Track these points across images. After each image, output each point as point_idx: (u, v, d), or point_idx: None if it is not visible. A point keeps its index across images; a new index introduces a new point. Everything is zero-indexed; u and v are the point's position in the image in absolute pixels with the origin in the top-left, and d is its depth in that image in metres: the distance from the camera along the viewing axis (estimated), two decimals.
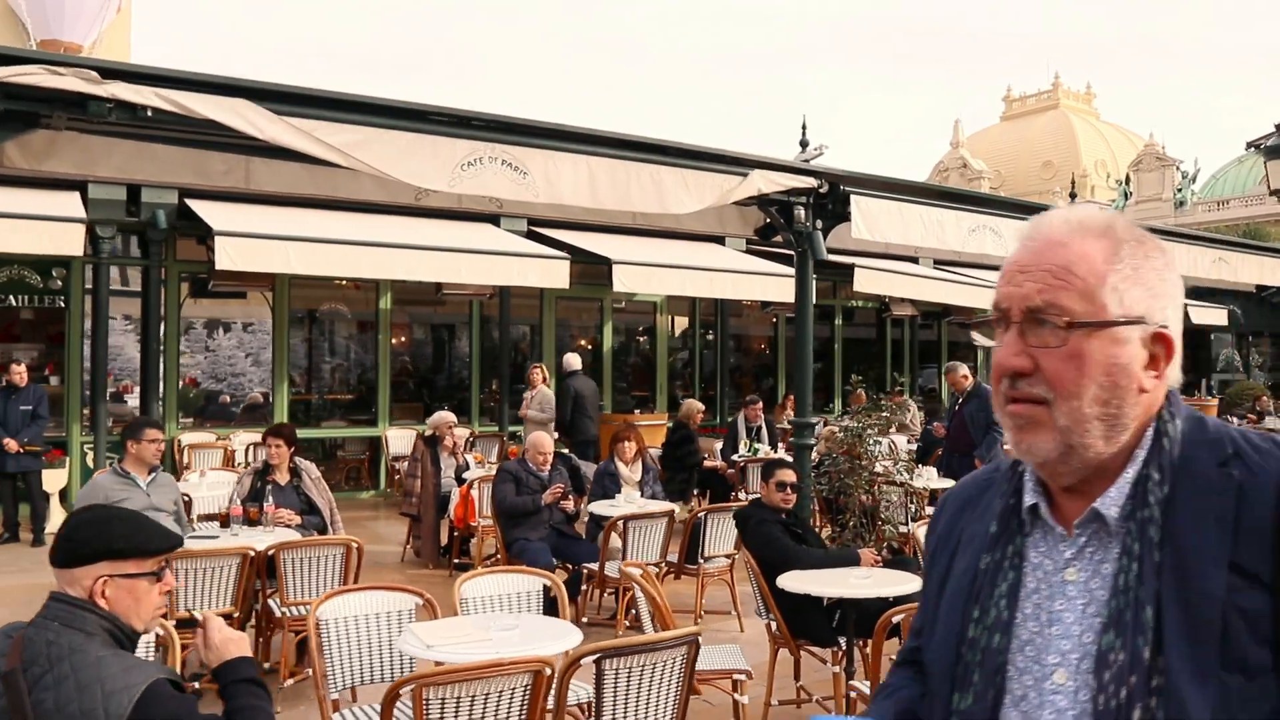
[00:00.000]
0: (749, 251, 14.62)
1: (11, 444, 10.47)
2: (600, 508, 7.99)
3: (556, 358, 15.27)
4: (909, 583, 5.43)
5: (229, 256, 10.06)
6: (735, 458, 11.25)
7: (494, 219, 13.29)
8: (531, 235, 13.24)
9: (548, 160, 6.97)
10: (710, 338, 16.47)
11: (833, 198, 8.30)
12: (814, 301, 13.50)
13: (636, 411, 14.81)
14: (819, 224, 8.46)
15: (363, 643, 4.82)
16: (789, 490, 6.21)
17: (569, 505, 7.99)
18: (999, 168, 41.25)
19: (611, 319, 15.42)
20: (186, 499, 8.46)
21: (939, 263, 16.67)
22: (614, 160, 7.20)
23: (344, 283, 13.71)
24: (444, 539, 9.79)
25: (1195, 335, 23.45)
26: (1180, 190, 37.56)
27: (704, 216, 9.12)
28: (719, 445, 12.22)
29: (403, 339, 14.60)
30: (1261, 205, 38.51)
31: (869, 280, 13.77)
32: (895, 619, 4.42)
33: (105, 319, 12.02)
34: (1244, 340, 23.37)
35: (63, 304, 12.47)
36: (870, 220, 8.39)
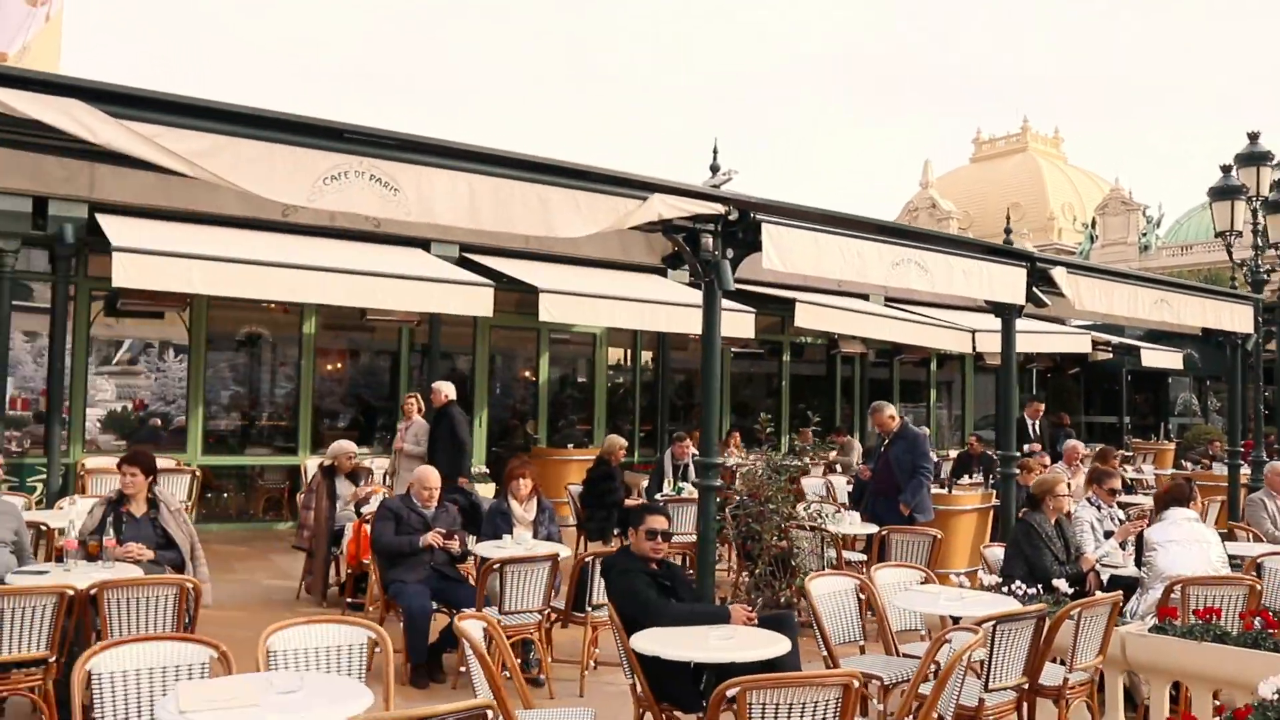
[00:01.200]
0: (694, 284, 14.17)
1: None
2: (485, 549, 7.40)
3: (490, 387, 14.74)
4: (773, 645, 4.87)
5: (126, 272, 9.49)
6: (659, 496, 10.67)
7: (425, 244, 12.75)
8: (463, 262, 12.70)
9: (420, 176, 6.40)
10: (651, 371, 15.93)
11: (743, 225, 7.75)
12: (752, 335, 13.18)
13: (570, 446, 14.24)
14: (730, 253, 7.92)
15: (131, 705, 4.22)
16: (659, 539, 5.65)
17: (453, 545, 7.40)
18: (968, 209, 41.12)
19: (549, 350, 14.88)
20: (44, 528, 7.85)
21: (893, 300, 16.23)
22: (496, 179, 6.65)
23: (271, 305, 13.15)
24: (340, 576, 9.18)
25: (1153, 379, 23.08)
26: (1145, 235, 37.44)
27: (634, 245, 8.62)
28: (645, 483, 11.66)
29: (328, 366, 14.00)
30: (1223, 251, 38.23)
31: (810, 316, 13.32)
32: (730, 692, 3.86)
33: (5, 338, 11.41)
34: (1202, 384, 23.00)
35: None
36: (783, 250, 7.85)
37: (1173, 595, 6.22)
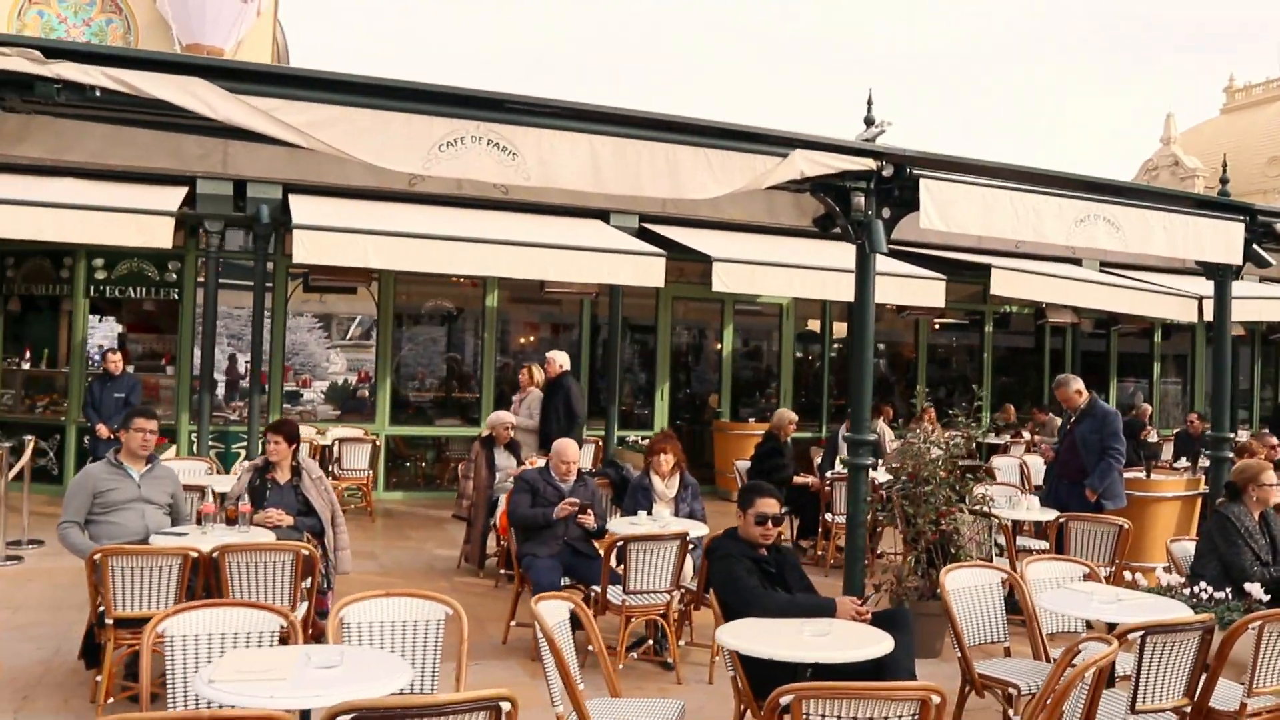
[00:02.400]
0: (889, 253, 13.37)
1: (103, 430, 10.55)
2: (619, 525, 7.08)
3: (672, 361, 14.42)
4: (873, 644, 4.31)
5: (306, 249, 9.72)
6: (830, 474, 10.07)
7: (605, 215, 12.54)
8: (642, 233, 12.42)
9: (541, 139, 6.10)
10: (841, 343, 15.18)
11: (899, 182, 7.07)
12: (942, 304, 12.25)
13: (751, 420, 13.74)
14: (886, 212, 7.25)
15: (192, 669, 4.14)
16: (769, 524, 5.15)
17: (588, 520, 7.13)
18: (1216, 165, 37.11)
19: (733, 321, 14.41)
20: (209, 492, 8.08)
21: (1110, 265, 14.85)
22: (621, 139, 6.27)
23: (457, 279, 13.28)
24: (492, 546, 9.11)
25: None
26: None
27: (781, 206, 8.05)
28: (819, 460, 11.07)
29: (511, 339, 14.03)
30: None
31: (1009, 283, 12.29)
32: (784, 699, 3.36)
33: (213, 312, 11.99)
34: None
35: (176, 297, 12.54)
36: (944, 208, 7.10)
37: None
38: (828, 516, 9.79)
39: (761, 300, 14.20)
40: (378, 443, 12.01)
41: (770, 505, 5.15)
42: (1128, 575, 6.26)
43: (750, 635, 4.34)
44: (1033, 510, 8.24)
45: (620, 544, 6.36)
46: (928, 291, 12.04)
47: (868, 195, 7.12)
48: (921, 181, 7.03)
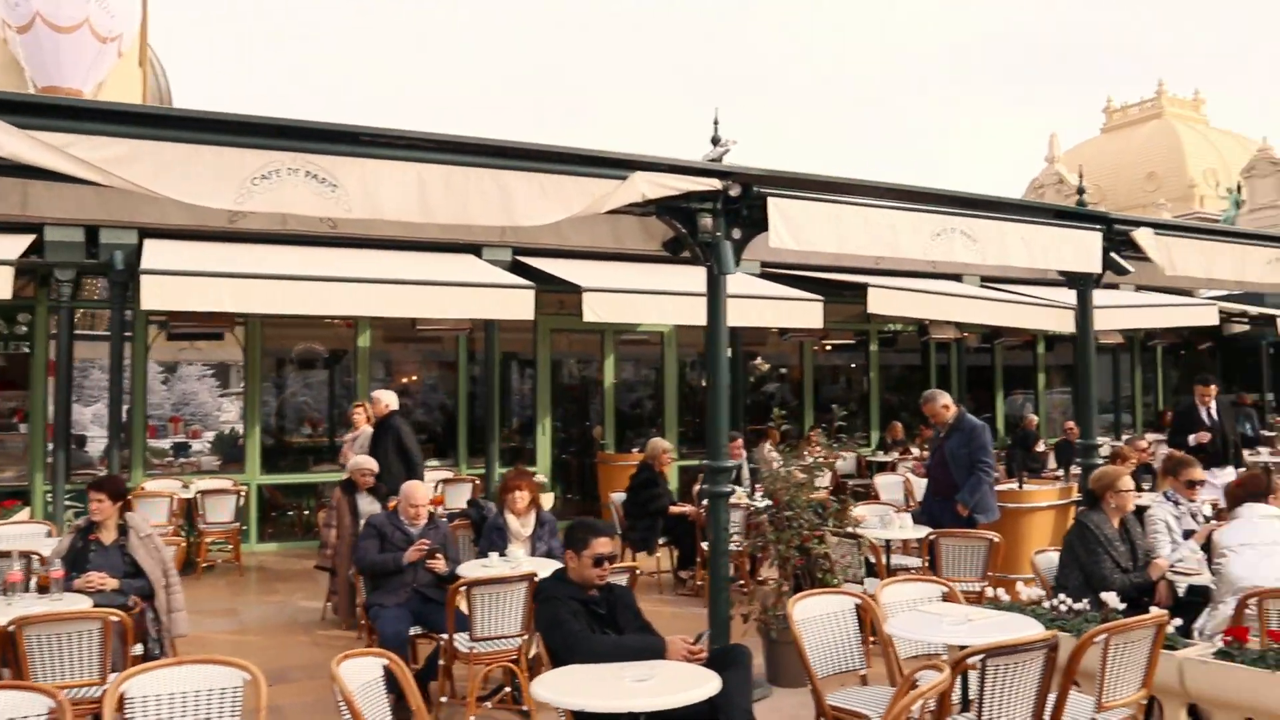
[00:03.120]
0: (765, 275, 13.26)
1: None
2: (471, 568, 6.72)
3: (554, 393, 14.11)
4: (697, 686, 4.03)
5: (154, 295, 9.20)
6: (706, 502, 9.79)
7: (477, 250, 12.21)
8: (516, 265, 12.13)
9: (364, 170, 5.76)
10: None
11: (747, 201, 6.89)
12: (820, 325, 12.15)
13: (635, 450, 13.46)
14: (736, 233, 7.05)
15: None
16: (606, 564, 4.85)
17: (438, 565, 6.75)
18: (1099, 182, 38.33)
19: (615, 351, 14.14)
20: (35, 558, 7.52)
21: (991, 280, 14.94)
22: (450, 167, 5.97)
23: (329, 320, 12.81)
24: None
25: None
26: None
27: (627, 231, 7.80)
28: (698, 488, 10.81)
29: (385, 379, 13.57)
30: None
31: (884, 301, 12.24)
32: None
33: (67, 365, 11.38)
34: None
35: (28, 350, 11.88)
36: (795, 227, 6.93)
37: (1247, 611, 5.10)
38: (704, 545, 9.50)
39: (642, 329, 13.96)
40: (244, 493, 11.45)
41: (606, 545, 4.84)
42: (990, 591, 6.09)
43: (566, 686, 4.02)
44: (905, 529, 8.07)
45: (465, 589, 6.00)
46: (805, 313, 11.94)
47: (715, 216, 6.90)
48: (770, 200, 6.85)
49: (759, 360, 16.69)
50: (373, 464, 8.90)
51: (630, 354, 14.73)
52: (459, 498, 11.75)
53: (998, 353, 17.33)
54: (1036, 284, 14.82)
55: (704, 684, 4.02)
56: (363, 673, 4.17)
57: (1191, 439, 10.62)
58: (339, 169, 5.73)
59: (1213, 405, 10.81)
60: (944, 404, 8.29)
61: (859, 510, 8.95)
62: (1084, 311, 8.81)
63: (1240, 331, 18.68)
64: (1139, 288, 16.07)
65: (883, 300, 12.09)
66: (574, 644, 4.45)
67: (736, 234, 7.09)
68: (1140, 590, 6.06)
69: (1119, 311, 14.57)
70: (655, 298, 11.24)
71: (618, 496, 10.30)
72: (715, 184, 6.74)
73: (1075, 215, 8.48)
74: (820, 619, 5.26)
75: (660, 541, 9.93)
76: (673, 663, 4.40)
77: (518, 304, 10.53)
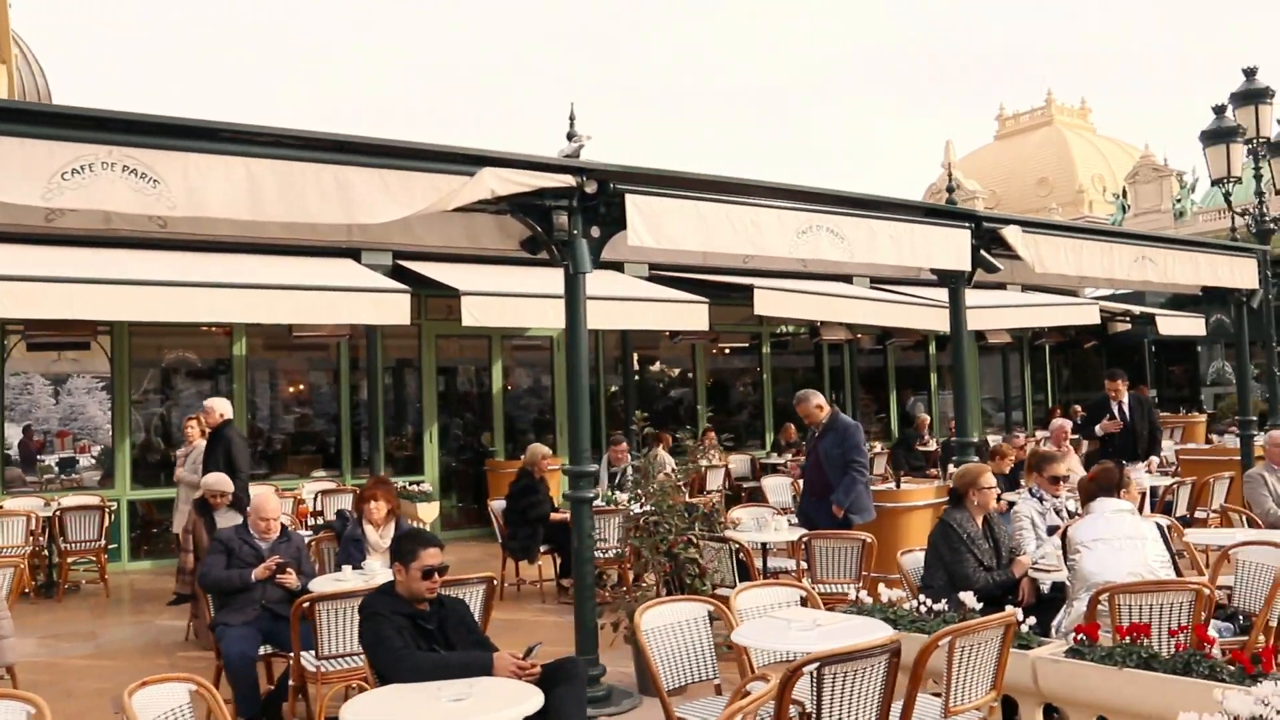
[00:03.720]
0: (654, 278, 13.02)
1: None
2: (322, 582, 6.34)
3: (441, 400, 13.72)
4: (517, 704, 3.73)
5: None
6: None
7: (355, 254, 11.77)
8: (397, 270, 11.73)
9: (188, 164, 5.36)
10: (618, 374, 14.76)
11: (605, 198, 6.63)
12: (706, 327, 11.97)
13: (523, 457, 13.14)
14: (596, 231, 6.78)
15: None
16: (436, 576, 4.53)
17: (289, 580, 6.35)
18: (993, 187, 39.16)
19: (503, 356, 13.78)
20: None
21: (881, 282, 14.91)
22: (285, 162, 5.60)
23: (207, 328, 12.24)
24: None
25: (1184, 348, 21.39)
26: (1179, 201, 35.18)
27: (482, 230, 7.48)
28: None
29: (263, 388, 13.04)
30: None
31: (771, 302, 12.07)
32: None
33: None
34: (1230, 350, 21.19)
35: None
36: (654, 224, 6.69)
37: (1100, 607, 4.96)
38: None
39: (532, 333, 13.65)
40: (111, 509, 10.84)
41: (435, 556, 4.52)
42: (852, 593, 5.90)
43: (375, 710, 3.69)
44: (781, 531, 7.87)
45: (308, 605, 5.62)
46: (691, 315, 11.74)
47: (571, 214, 6.62)
48: (627, 197, 6.60)
49: (662, 365, 16.49)
50: (225, 483, 8.37)
51: (520, 359, 14.41)
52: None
53: (890, 354, 17.36)
54: (926, 285, 14.83)
55: (523, 702, 3.73)
56: (162, 701, 3.80)
57: (1099, 427, 10.64)
58: (160, 164, 5.33)
59: (1124, 400, 10.78)
60: (817, 404, 8.12)
61: (736, 513, 8.78)
62: (956, 310, 8.71)
63: (1123, 330, 18.99)
64: (1027, 288, 16.23)
65: (769, 301, 11.93)
66: (394, 662, 4.13)
67: (596, 232, 6.82)
68: (1004, 588, 5.93)
69: (1003, 311, 14.66)
70: (537, 301, 10.92)
71: (497, 504, 9.97)
72: (569, 180, 6.46)
73: (945, 213, 8.39)
74: (670, 628, 5.00)
75: (542, 549, 9.61)
76: (497, 679, 4.10)
77: (392, 309, 10.17)
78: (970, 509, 6.08)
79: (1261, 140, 11.82)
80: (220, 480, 8.30)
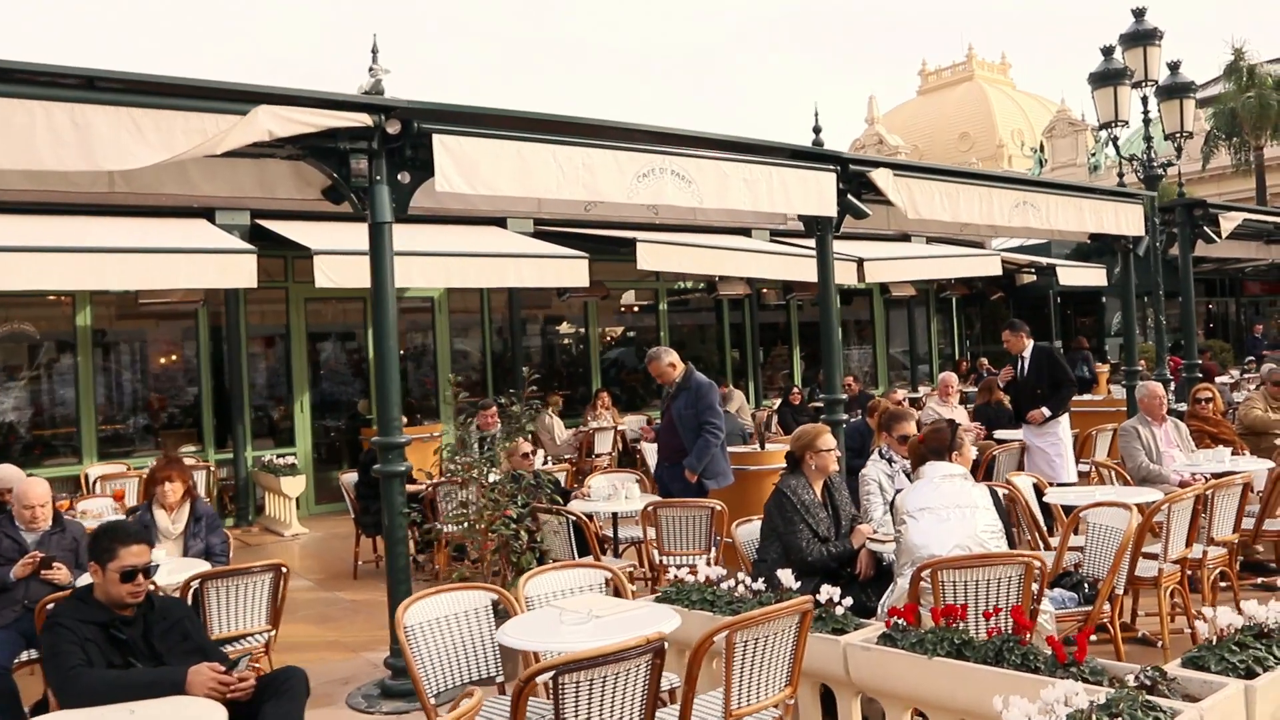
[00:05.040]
0: (539, 234, 12.27)
1: None
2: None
3: (314, 367, 12.91)
4: None
5: None
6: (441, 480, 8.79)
7: (209, 214, 10.87)
8: (255, 230, 10.86)
9: None
10: (503, 337, 13.99)
11: (410, 140, 5.88)
12: (587, 284, 11.23)
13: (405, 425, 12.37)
14: (405, 177, 6.03)
15: None
16: (140, 578, 3.80)
17: (56, 576, 5.58)
18: (916, 142, 38.76)
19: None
20: None
21: (781, 235, 14.28)
22: (7, 100, 4.77)
23: (45, 296, 11.25)
24: None
25: (1090, 299, 21.09)
26: (1094, 155, 34.97)
27: (278, 178, 6.67)
28: None
29: (113, 360, 12.06)
30: (1176, 164, 35.87)
31: (653, 256, 11.37)
32: None
33: None
34: (1143, 301, 20.93)
35: None
36: (467, 168, 5.95)
37: (922, 584, 4.36)
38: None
39: (411, 294, 12.83)
40: None
41: (138, 554, 3.79)
42: (701, 564, 5.23)
43: None
44: (632, 499, 7.23)
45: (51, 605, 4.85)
46: (571, 271, 10.98)
47: (373, 158, 5.88)
48: (435, 138, 5.87)
49: (553, 324, 15.76)
50: (15, 475, 7.40)
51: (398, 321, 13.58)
52: (198, 486, 10.50)
53: (792, 309, 16.75)
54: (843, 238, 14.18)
55: None
56: None
57: (1000, 379, 10.05)
58: None
59: (1026, 353, 9.88)
60: (669, 362, 7.45)
61: (596, 480, 8.13)
62: (823, 259, 8.08)
63: (1030, 282, 18.59)
64: (932, 240, 15.69)
65: (652, 255, 11.23)
66: (65, 684, 3.43)
67: (406, 178, 6.08)
68: (841, 561, 5.33)
69: (903, 263, 14.12)
70: (401, 259, 10.10)
71: (349, 478, 9.23)
72: (365, 119, 5.70)
73: (807, 155, 7.72)
74: (443, 622, 4.33)
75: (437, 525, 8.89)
76: (187, 699, 3.39)
77: (238, 271, 9.30)
78: (808, 474, 5.47)
79: (1150, 83, 11.29)
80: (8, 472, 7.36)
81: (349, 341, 13.34)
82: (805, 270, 12.82)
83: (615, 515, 7.33)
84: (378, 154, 5.87)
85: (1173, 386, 10.68)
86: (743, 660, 3.65)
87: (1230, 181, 33.85)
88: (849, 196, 7.85)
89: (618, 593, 4.71)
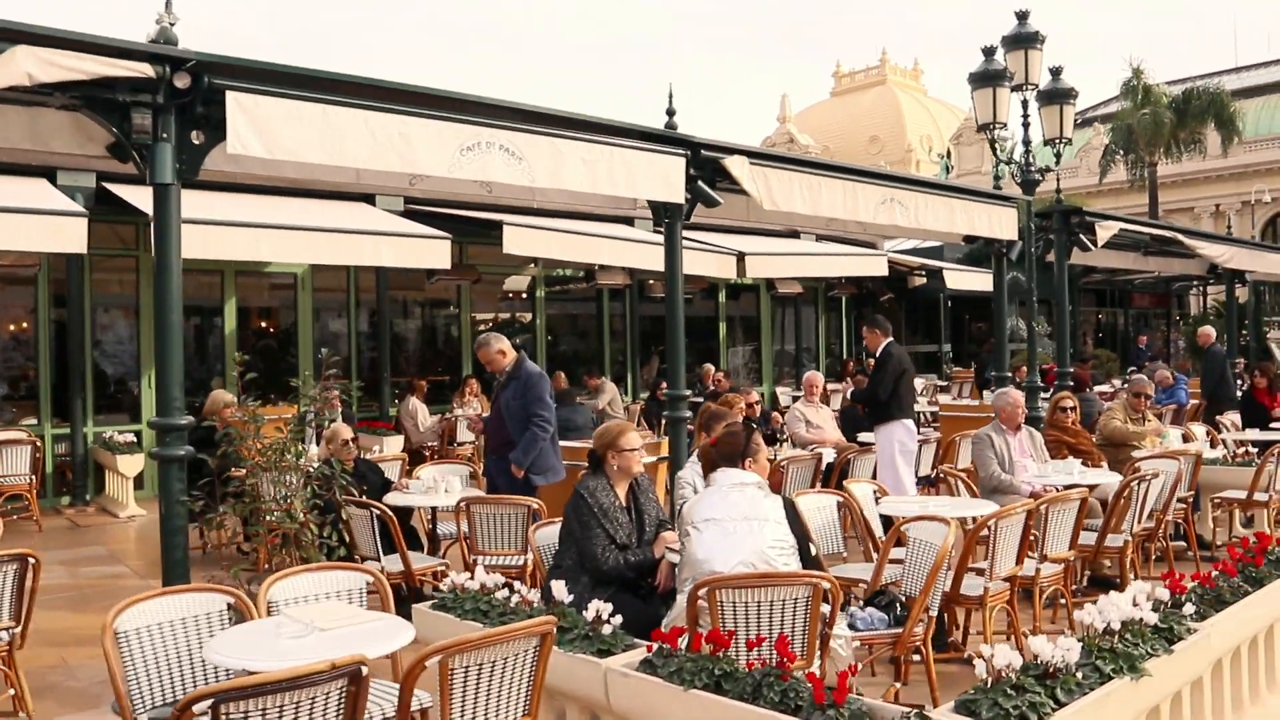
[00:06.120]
0: (409, 214, 11.67)
1: None
2: None
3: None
4: None
5: None
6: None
7: (50, 174, 10.06)
8: (100, 194, 10.12)
9: None
10: (371, 317, 13.33)
11: (201, 94, 5.28)
12: (448, 266, 10.69)
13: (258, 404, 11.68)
14: (197, 137, 5.42)
15: None
16: None
17: None
18: (827, 143, 38.75)
19: (237, 294, 12.22)
20: None
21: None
22: None
23: None
24: None
25: (982, 303, 21.06)
26: (997, 165, 35.25)
27: (54, 131, 6.00)
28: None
29: None
30: (1076, 177, 36.69)
31: (520, 240, 10.86)
32: None
33: None
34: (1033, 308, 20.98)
35: None
36: (264, 130, 5.37)
37: (700, 603, 3.93)
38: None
39: (272, 269, 12.13)
40: None
41: None
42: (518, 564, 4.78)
43: None
44: (452, 493, 6.71)
45: None
46: (433, 252, 10.41)
47: (158, 114, 5.26)
48: (230, 95, 5.28)
49: (434, 308, 15.14)
50: None
51: (257, 298, 12.86)
52: (18, 462, 9.76)
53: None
54: (704, 229, 13.77)
55: None
56: None
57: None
58: None
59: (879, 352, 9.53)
60: (499, 349, 6.94)
61: (425, 471, 7.60)
62: (672, 249, 7.67)
63: (921, 285, 18.47)
64: (821, 237, 15.40)
65: (519, 240, 10.73)
66: None
67: (199, 138, 5.48)
68: (640, 570, 4.88)
69: (785, 259, 13.82)
70: (250, 231, 9.50)
71: None
72: (146, 69, 5.09)
73: (656, 137, 7.28)
74: (165, 628, 3.79)
75: (223, 511, 8.26)
76: None
77: (67, 235, 8.59)
78: (610, 475, 5.00)
79: (1031, 86, 11.11)
80: None
81: (206, 316, 12.57)
82: (689, 262, 12.40)
83: (435, 510, 6.82)
84: (164, 109, 5.26)
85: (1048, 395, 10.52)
86: (465, 688, 3.19)
87: (1127, 196, 34.50)
88: (700, 183, 7.43)
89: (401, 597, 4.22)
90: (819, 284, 17.65)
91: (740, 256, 12.87)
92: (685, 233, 13.07)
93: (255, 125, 5.37)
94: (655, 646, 3.62)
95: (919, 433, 10.12)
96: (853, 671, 3.75)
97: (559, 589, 4.10)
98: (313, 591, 4.18)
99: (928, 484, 9.42)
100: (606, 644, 3.82)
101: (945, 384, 17.63)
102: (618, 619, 3.88)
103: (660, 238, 12.71)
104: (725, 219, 11.64)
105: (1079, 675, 3.26)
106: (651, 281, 15.52)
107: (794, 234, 14.94)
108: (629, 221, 13.58)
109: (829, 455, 8.73)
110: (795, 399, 14.36)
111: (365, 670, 2.99)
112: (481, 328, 14.85)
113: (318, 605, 3.95)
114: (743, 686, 3.30)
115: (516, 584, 3.97)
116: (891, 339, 8.64)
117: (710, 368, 14.92)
